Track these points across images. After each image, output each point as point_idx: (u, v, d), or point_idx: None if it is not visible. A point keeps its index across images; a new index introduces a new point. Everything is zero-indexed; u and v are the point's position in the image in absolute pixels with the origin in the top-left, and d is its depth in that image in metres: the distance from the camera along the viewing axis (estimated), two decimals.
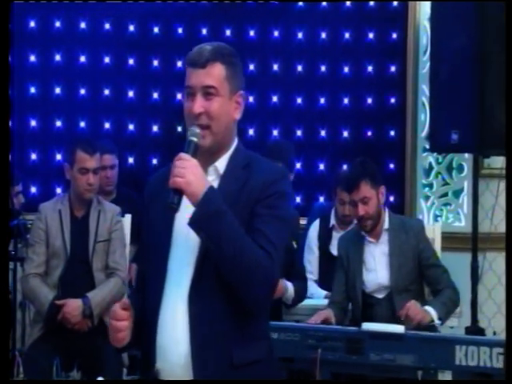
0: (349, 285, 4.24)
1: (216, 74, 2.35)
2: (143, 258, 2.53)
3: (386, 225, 4.21)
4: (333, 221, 5.02)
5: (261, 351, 2.34)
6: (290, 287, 4.28)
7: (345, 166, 5.65)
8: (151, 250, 2.41)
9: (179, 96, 5.89)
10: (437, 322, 3.90)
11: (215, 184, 2.34)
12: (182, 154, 2.26)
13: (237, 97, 2.40)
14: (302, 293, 4.40)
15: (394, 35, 6.00)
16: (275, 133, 5.99)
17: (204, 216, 2.20)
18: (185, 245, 2.30)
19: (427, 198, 5.82)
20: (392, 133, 5.97)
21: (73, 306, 4.12)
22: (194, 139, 2.30)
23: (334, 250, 4.89)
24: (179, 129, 5.84)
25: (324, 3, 6.01)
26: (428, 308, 3.91)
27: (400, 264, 4.12)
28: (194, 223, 2.22)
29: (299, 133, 5.97)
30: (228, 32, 5.97)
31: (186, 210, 2.23)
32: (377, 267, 4.19)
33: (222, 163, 2.39)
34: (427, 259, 4.14)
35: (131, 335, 2.32)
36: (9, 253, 4.92)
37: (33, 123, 5.86)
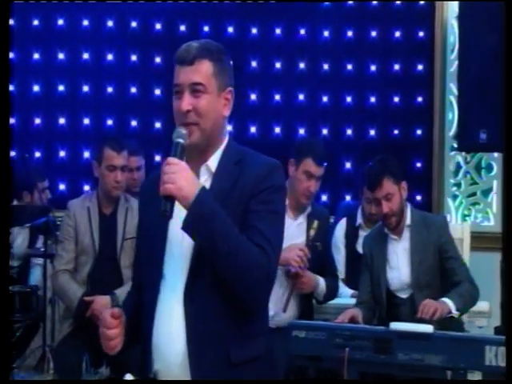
0: (373, 283, 4.23)
1: (203, 70, 2.32)
2: (139, 261, 2.51)
3: (408, 221, 4.17)
4: (359, 219, 5.01)
5: (259, 348, 2.33)
6: (321, 282, 4.25)
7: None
8: (146, 254, 2.40)
9: None
10: (455, 312, 3.86)
11: (208, 183, 2.32)
12: (170, 159, 2.22)
13: (225, 93, 2.37)
14: (333, 290, 4.38)
15: (421, 33, 5.98)
16: (302, 131, 5.99)
17: (196, 219, 2.17)
18: (179, 246, 2.28)
19: (455, 197, 5.80)
20: (419, 132, 5.95)
21: (101, 303, 4.14)
22: (180, 141, 2.26)
23: (360, 249, 4.87)
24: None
25: (350, 1, 5.99)
26: (444, 299, 3.87)
27: (421, 260, 4.09)
28: (186, 227, 2.19)
29: (325, 132, 5.97)
30: (254, 30, 5.99)
31: (179, 213, 2.20)
32: (399, 264, 4.17)
33: (213, 161, 2.36)
34: (446, 252, 4.09)
35: (125, 341, 2.30)
36: (38, 249, 5.01)
37: (61, 121, 5.91)
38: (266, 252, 2.22)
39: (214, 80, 2.33)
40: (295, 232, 4.15)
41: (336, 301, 4.57)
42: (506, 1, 4.27)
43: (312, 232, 4.16)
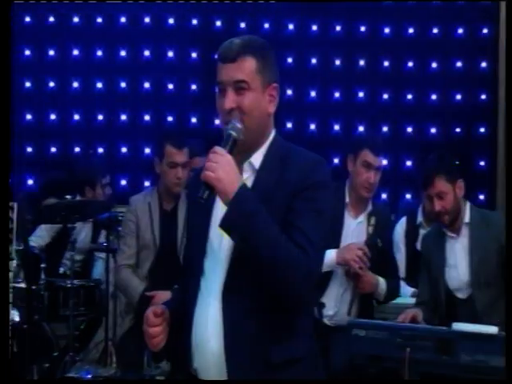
0: (432, 283, 4.17)
1: (247, 67, 2.25)
2: (185, 255, 2.50)
3: (467, 219, 4.09)
4: (420, 218, 4.96)
5: (301, 349, 2.26)
6: (381, 282, 4.22)
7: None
8: (189, 250, 2.39)
9: None
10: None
11: (251, 180, 2.27)
12: (217, 148, 2.16)
13: (270, 89, 2.29)
14: (394, 291, 4.33)
15: (485, 30, 5.88)
16: (361, 128, 5.96)
17: (235, 217, 2.12)
18: (219, 244, 2.24)
19: None
20: (482, 130, 5.86)
21: (162, 298, 4.14)
22: (234, 133, 2.20)
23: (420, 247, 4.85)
24: None
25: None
26: None
27: (480, 258, 4.01)
28: (224, 225, 2.14)
29: (385, 129, 5.92)
30: (291, 26, 5.99)
31: (222, 208, 2.16)
32: (458, 263, 4.09)
33: (257, 158, 2.30)
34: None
35: (169, 337, 2.27)
36: (101, 244, 5.08)
37: (123, 117, 5.98)
38: (307, 253, 2.14)
39: (257, 76, 2.26)
40: (355, 231, 4.13)
41: (396, 300, 4.54)
42: (506, 1, 4.17)
43: (370, 229, 4.13)
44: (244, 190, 2.14)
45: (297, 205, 2.20)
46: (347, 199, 4.20)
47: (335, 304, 4.05)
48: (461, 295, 4.07)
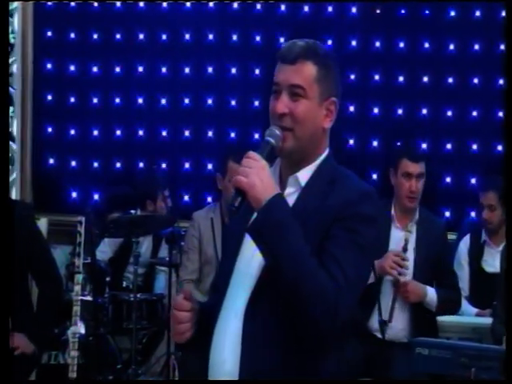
0: None
1: (305, 72, 2.09)
2: (219, 265, 2.39)
3: None
4: (484, 236, 4.89)
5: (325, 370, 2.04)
6: (430, 292, 4.18)
7: None
8: (223, 260, 2.29)
9: None
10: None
11: (294, 196, 2.10)
12: (252, 153, 2.02)
13: (328, 103, 2.13)
14: (450, 303, 4.26)
15: (502, 47, 5.76)
16: (424, 146, 5.90)
17: (264, 224, 1.96)
18: (248, 262, 2.09)
19: None
20: None
21: None
22: (272, 140, 2.06)
23: (486, 266, 4.77)
24: None
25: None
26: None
27: None
28: (252, 231, 1.99)
29: (449, 146, 5.86)
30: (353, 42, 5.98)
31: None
32: None
33: (304, 174, 2.12)
34: None
35: (195, 332, 2.12)
36: (163, 259, 5.14)
37: (186, 133, 6.05)
38: (336, 282, 1.95)
39: (316, 85, 2.10)
40: (401, 241, 4.11)
41: (459, 319, 4.48)
42: (506, 1, 4.07)
43: (407, 235, 4.12)
44: (279, 198, 2.00)
45: (336, 232, 2.02)
46: (393, 211, 4.20)
47: (384, 315, 4.04)
48: None
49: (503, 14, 5.70)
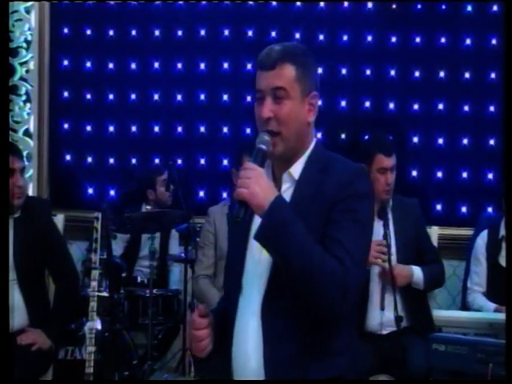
0: None
1: (285, 75, 2.21)
2: (225, 269, 2.47)
3: None
4: (502, 231, 4.86)
5: (341, 366, 2.21)
6: (416, 271, 4.20)
7: None
8: (229, 263, 2.37)
9: None
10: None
11: (290, 191, 2.23)
12: (247, 164, 2.15)
13: (310, 98, 2.25)
14: (436, 276, 4.31)
15: (494, 41, 5.71)
16: (441, 141, 5.87)
17: (269, 228, 2.08)
18: (257, 261, 2.21)
19: None
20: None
21: None
22: (263, 147, 2.19)
23: (504, 262, 4.74)
24: None
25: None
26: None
27: None
28: (259, 236, 2.10)
29: (440, 141, 5.82)
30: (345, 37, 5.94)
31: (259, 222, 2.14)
32: None
33: (296, 168, 2.26)
34: None
35: (214, 343, 2.26)
36: (179, 255, 5.14)
37: (202, 129, 6.05)
38: (343, 264, 2.08)
39: (296, 84, 2.22)
40: (380, 231, 4.12)
41: (477, 315, 4.45)
42: (506, 1, 4.01)
43: (386, 223, 4.13)
44: (279, 199, 2.11)
45: (335, 216, 2.15)
46: None
47: (381, 311, 4.05)
48: None
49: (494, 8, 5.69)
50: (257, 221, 2.17)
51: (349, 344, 2.26)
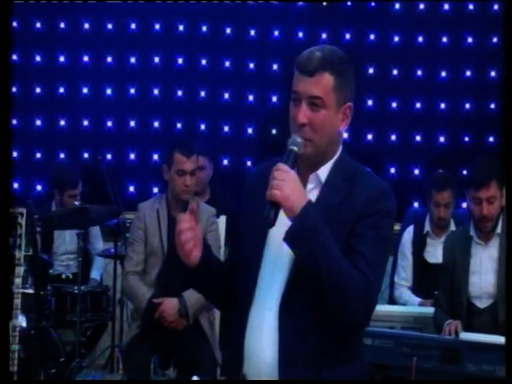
0: (454, 288, 4.09)
1: (324, 84, 2.24)
2: (238, 247, 2.43)
3: (499, 229, 4.08)
4: (427, 227, 4.96)
5: (352, 374, 2.25)
6: None
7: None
8: (245, 250, 2.36)
9: (274, 99, 5.96)
10: None
11: (315, 192, 2.28)
12: (281, 165, 2.17)
13: (344, 108, 2.29)
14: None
15: (495, 39, 5.88)
16: (369, 137, 5.96)
17: (300, 232, 2.13)
18: (277, 256, 2.25)
19: None
20: (491, 139, 5.88)
21: (169, 305, 4.18)
22: (295, 148, 2.22)
23: (428, 257, 4.86)
24: (273, 131, 5.93)
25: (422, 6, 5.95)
26: None
27: (506, 269, 3.97)
28: (289, 238, 2.15)
29: (394, 137, 5.94)
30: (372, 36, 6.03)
31: (281, 220, 2.17)
32: (482, 271, 4.05)
33: (323, 171, 2.31)
34: None
35: (203, 255, 2.29)
36: (108, 250, 5.10)
37: (132, 123, 6.00)
38: (367, 279, 2.16)
39: (333, 94, 2.25)
40: None
41: (403, 309, 4.54)
42: (506, 1, 4.14)
43: None
44: (311, 206, 2.16)
45: (361, 230, 2.21)
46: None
47: None
48: (479, 304, 4.02)
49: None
50: (280, 219, 2.19)
51: (360, 351, 2.34)
